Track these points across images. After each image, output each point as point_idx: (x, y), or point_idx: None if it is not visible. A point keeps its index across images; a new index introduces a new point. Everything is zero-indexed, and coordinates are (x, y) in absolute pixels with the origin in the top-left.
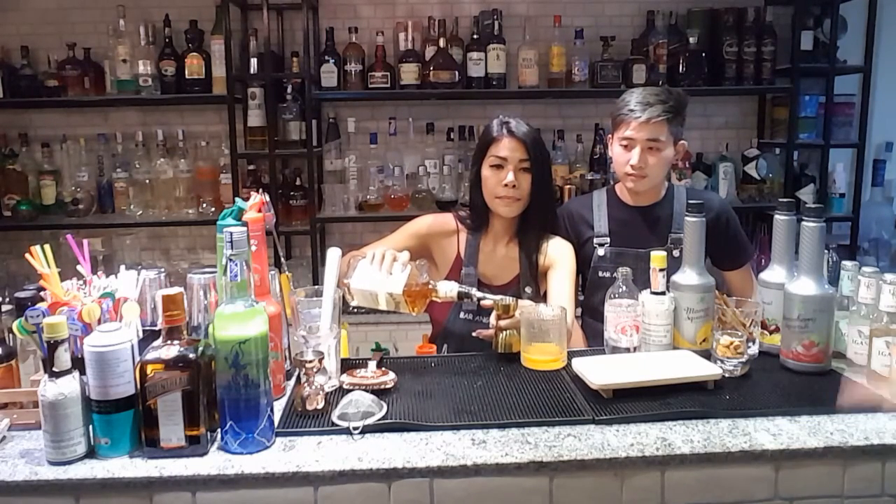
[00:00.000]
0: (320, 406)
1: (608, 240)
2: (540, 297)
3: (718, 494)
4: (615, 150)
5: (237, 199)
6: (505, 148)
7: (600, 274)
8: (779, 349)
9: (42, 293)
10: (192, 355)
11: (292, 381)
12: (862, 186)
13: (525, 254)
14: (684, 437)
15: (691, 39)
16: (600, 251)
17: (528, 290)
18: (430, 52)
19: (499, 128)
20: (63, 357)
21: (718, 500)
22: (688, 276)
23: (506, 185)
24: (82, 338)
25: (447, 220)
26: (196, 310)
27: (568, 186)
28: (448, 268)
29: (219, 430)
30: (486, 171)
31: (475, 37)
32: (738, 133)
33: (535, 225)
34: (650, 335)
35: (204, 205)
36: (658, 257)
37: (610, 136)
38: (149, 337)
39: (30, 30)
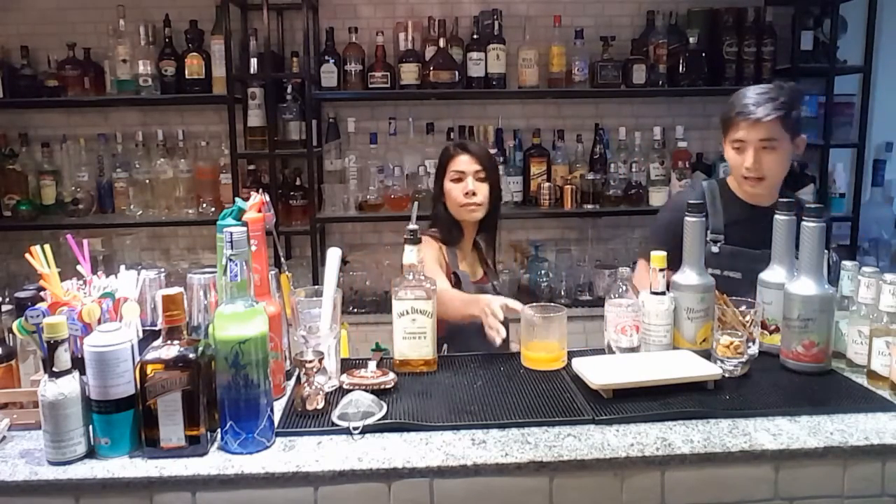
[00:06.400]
0: (320, 406)
1: (722, 237)
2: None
3: (718, 494)
4: (728, 154)
5: (237, 199)
6: (462, 163)
7: (710, 272)
8: (779, 349)
9: (42, 293)
10: (192, 355)
11: (292, 381)
12: (862, 186)
13: (481, 254)
14: (684, 437)
15: (691, 39)
16: (714, 248)
17: (495, 283)
18: (430, 52)
19: (454, 148)
20: (63, 357)
21: (718, 500)
22: (688, 276)
23: (467, 194)
24: (82, 338)
25: (432, 240)
26: (196, 310)
27: (568, 186)
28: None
29: (219, 430)
30: (448, 185)
31: (475, 37)
32: None
33: (488, 228)
34: (650, 335)
35: (204, 205)
36: (658, 257)
37: (723, 139)
38: (149, 337)
39: (30, 30)
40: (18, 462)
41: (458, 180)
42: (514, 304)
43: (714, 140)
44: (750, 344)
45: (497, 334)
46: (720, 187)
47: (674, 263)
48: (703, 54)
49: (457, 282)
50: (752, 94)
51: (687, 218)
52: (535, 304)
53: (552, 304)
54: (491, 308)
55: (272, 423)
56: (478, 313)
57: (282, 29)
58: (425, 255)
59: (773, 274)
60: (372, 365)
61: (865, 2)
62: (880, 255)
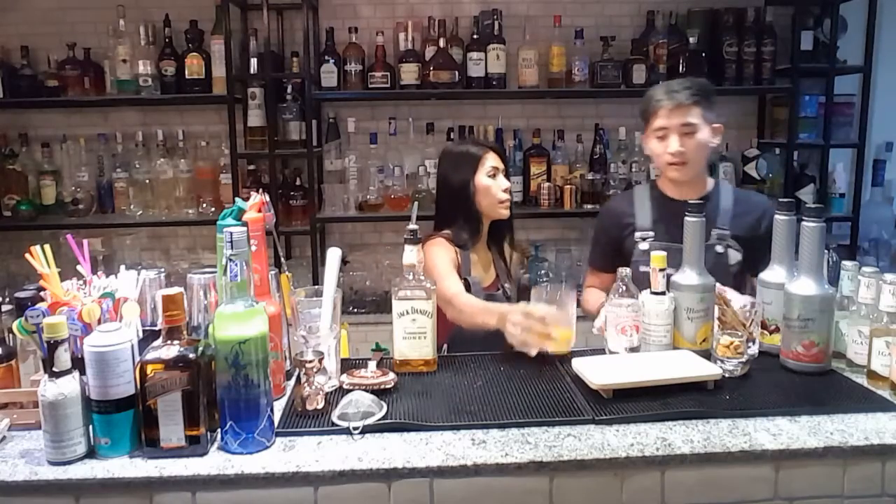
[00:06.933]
0: (320, 406)
1: (652, 234)
2: (516, 290)
3: (718, 494)
4: (652, 145)
5: (237, 199)
6: (495, 159)
7: (642, 269)
8: (779, 349)
9: (42, 293)
10: (192, 355)
11: (292, 381)
12: (862, 186)
13: (498, 253)
14: (684, 437)
15: (691, 39)
16: (643, 245)
17: (506, 285)
18: (430, 52)
19: (482, 148)
20: (63, 357)
21: (718, 500)
22: (688, 276)
23: (505, 191)
24: (82, 338)
25: (448, 243)
26: (196, 310)
27: (568, 186)
28: None
29: (219, 430)
30: (486, 181)
31: (475, 37)
32: (738, 133)
33: (508, 227)
34: (650, 335)
35: (204, 205)
36: (658, 257)
37: (644, 135)
38: (149, 337)
39: (30, 30)
40: (18, 462)
41: (494, 176)
42: (530, 309)
43: None
44: (750, 344)
45: (531, 348)
46: (650, 188)
47: (612, 268)
48: (703, 54)
49: (467, 288)
50: (670, 84)
51: (687, 218)
52: (542, 283)
53: (561, 283)
54: (515, 321)
55: (272, 423)
56: (495, 325)
57: (282, 29)
58: (442, 259)
59: (773, 274)
60: (372, 365)
61: (865, 2)
62: (880, 255)
